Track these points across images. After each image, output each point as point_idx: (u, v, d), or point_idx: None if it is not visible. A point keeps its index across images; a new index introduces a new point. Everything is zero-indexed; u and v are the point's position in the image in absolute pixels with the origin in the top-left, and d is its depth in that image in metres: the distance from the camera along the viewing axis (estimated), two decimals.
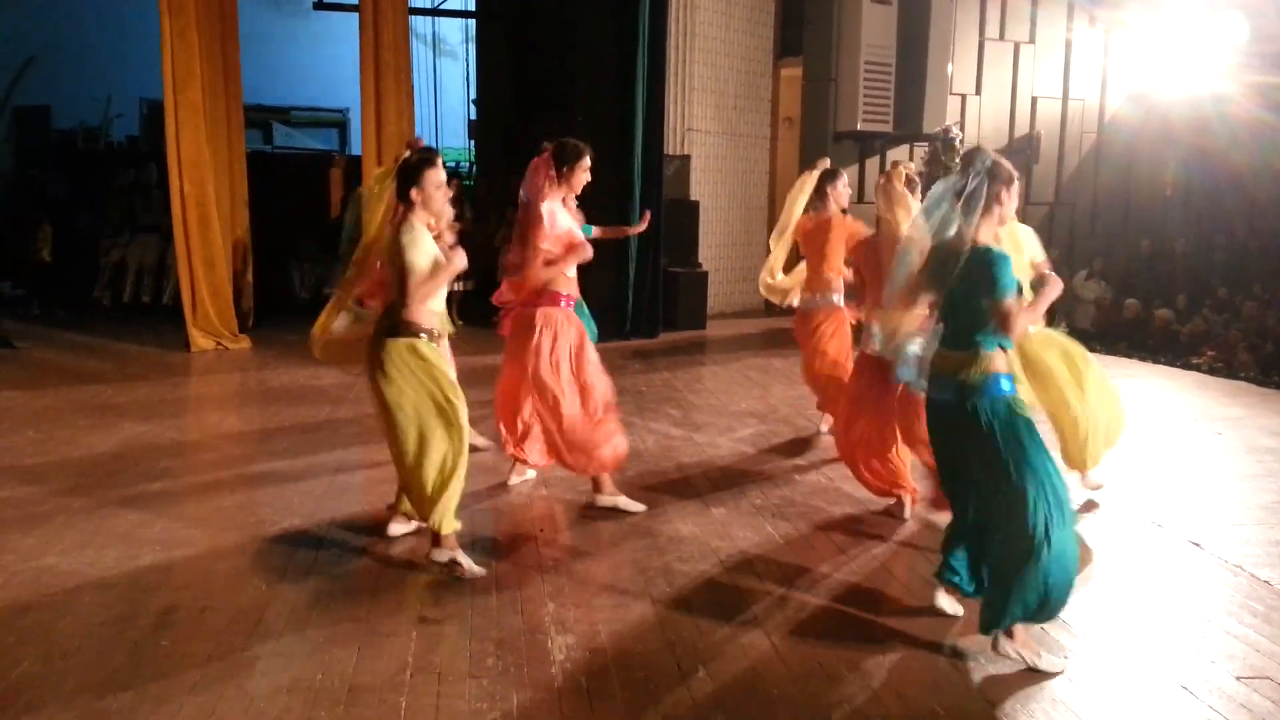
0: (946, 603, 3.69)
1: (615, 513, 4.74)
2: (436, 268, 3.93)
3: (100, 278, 11.72)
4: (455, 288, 10.80)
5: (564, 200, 4.78)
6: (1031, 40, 12.03)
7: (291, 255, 12.66)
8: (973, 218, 3.32)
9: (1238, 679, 3.25)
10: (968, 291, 3.33)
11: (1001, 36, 11.95)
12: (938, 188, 3.43)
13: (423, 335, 3.96)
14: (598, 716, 2.97)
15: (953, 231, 3.35)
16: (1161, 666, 3.34)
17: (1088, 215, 12.51)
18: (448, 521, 3.97)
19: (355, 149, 16.74)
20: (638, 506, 4.79)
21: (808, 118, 11.66)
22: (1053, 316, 11.07)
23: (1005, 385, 3.35)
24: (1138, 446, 6.30)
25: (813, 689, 3.15)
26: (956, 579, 3.57)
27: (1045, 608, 3.30)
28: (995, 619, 3.31)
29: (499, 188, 12.31)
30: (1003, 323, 3.30)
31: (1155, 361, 9.31)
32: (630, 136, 9.72)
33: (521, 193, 4.71)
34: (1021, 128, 12.16)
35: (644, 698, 3.08)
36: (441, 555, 4.02)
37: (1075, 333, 10.67)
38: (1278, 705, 3.10)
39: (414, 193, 3.96)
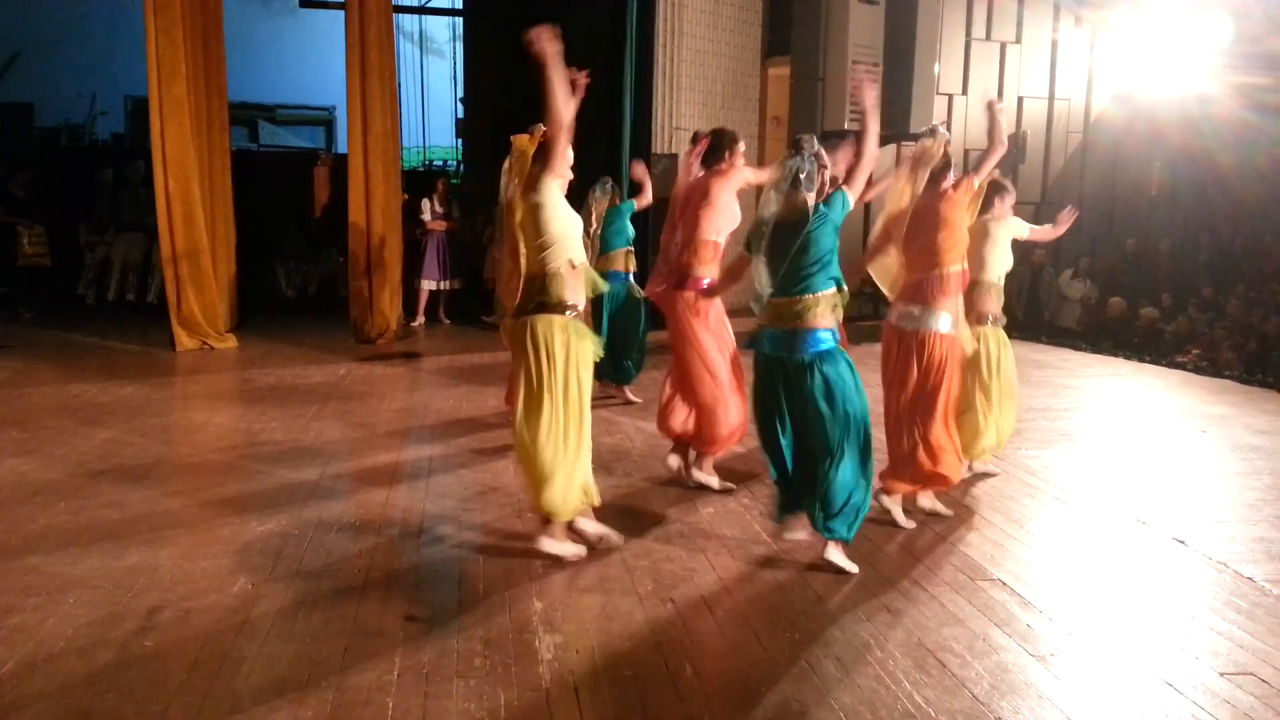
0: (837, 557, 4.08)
1: (601, 511, 4.74)
2: None
3: (84, 275, 11.66)
4: (443, 286, 10.82)
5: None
6: (1018, 40, 12.07)
7: (277, 253, 12.63)
8: (811, 191, 3.94)
9: (1221, 675, 3.28)
10: (809, 245, 3.90)
11: (988, 37, 11.99)
12: (776, 171, 4.02)
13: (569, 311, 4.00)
14: (585, 716, 2.97)
15: (778, 207, 3.94)
16: (1146, 663, 3.36)
17: None
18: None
19: (341, 147, 16.72)
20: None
21: (795, 117, 11.68)
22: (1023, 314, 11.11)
23: (825, 337, 3.96)
24: (1122, 444, 6.34)
25: (800, 688, 3.16)
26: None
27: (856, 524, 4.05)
28: (832, 532, 4.02)
29: (486, 186, 12.30)
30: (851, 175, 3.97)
31: (1140, 360, 9.37)
32: (618, 135, 9.72)
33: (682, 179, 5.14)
34: (1008, 128, 12.18)
35: (632, 697, 3.08)
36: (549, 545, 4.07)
37: (1060, 331, 10.80)
38: (1261, 701, 3.12)
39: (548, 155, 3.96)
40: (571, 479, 3.98)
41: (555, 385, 3.92)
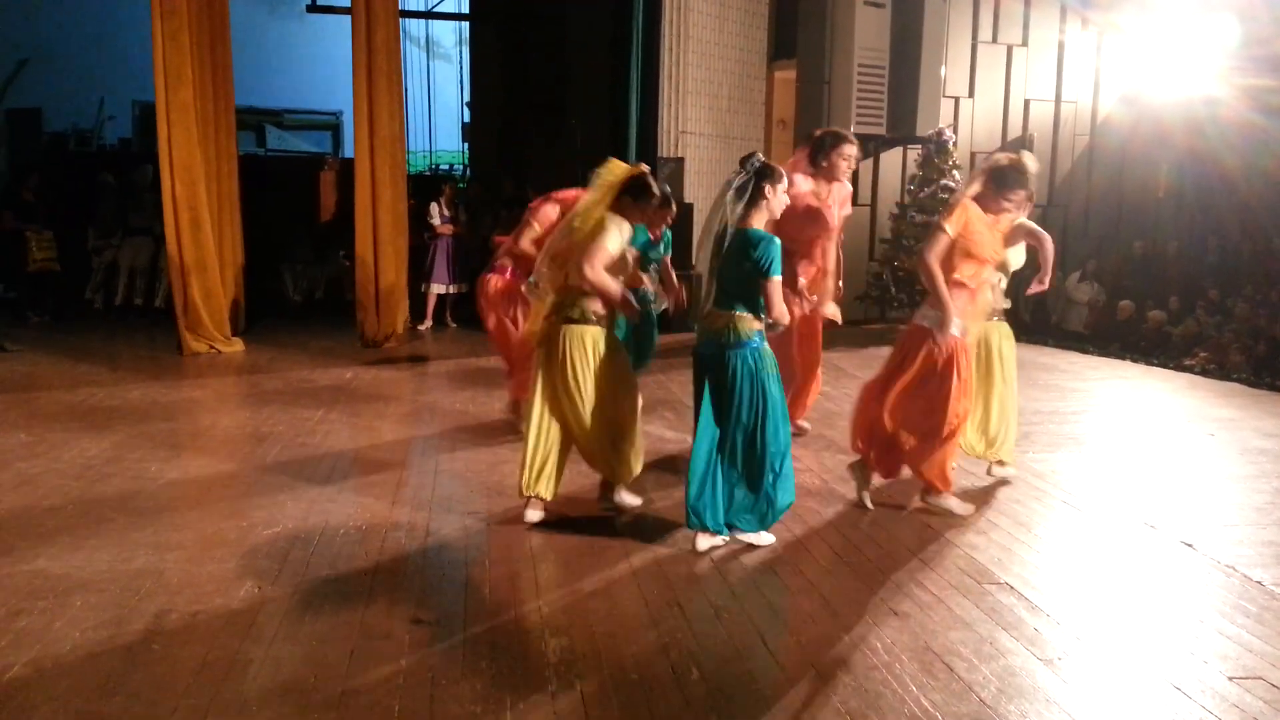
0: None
1: (607, 514, 4.75)
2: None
3: (92, 279, 11.71)
4: (449, 290, 10.83)
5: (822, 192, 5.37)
6: (1024, 43, 12.05)
7: (284, 258, 12.66)
8: (739, 206, 4.12)
9: (1230, 679, 3.26)
10: (732, 265, 4.11)
11: (994, 39, 11.97)
12: (724, 185, 4.19)
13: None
14: (591, 719, 2.97)
15: (729, 217, 4.13)
16: (1154, 667, 3.35)
17: (1080, 217, 12.54)
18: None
19: (348, 152, 16.75)
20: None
21: (801, 120, 11.66)
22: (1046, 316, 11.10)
23: (755, 341, 4.17)
24: (1130, 447, 6.32)
25: (806, 690, 3.15)
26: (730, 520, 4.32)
27: (769, 518, 4.31)
28: (726, 524, 4.27)
29: (493, 189, 12.33)
30: (766, 299, 4.09)
31: (1148, 363, 9.33)
32: (624, 139, 9.74)
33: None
34: (1014, 130, 12.17)
35: (638, 700, 3.07)
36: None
37: (1068, 334, 10.77)
38: (1270, 705, 3.10)
39: (625, 199, 4.47)
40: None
41: (587, 382, 4.45)
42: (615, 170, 4.53)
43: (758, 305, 4.15)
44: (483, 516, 4.73)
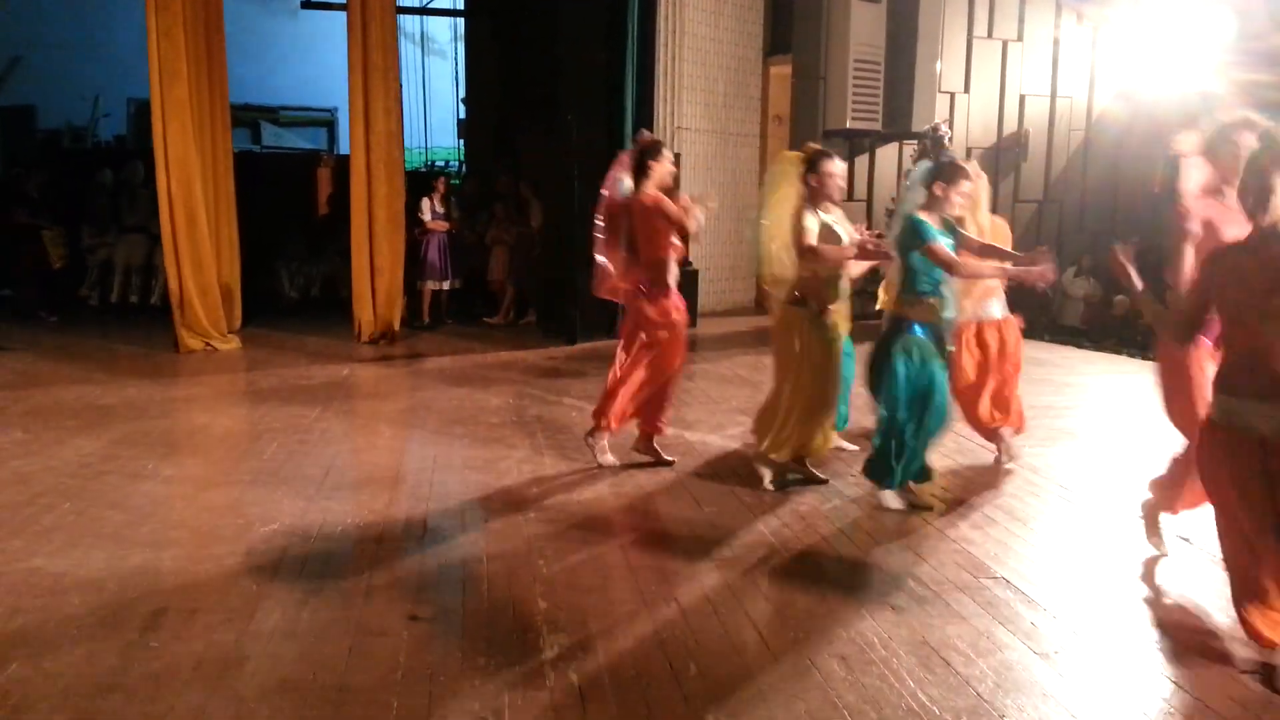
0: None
1: (604, 510, 4.75)
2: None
3: (87, 276, 11.68)
4: (444, 286, 10.81)
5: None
6: (1020, 38, 12.05)
7: (279, 255, 12.63)
8: (917, 198, 4.71)
9: (1226, 673, 3.27)
10: (901, 255, 4.68)
11: (990, 34, 11.97)
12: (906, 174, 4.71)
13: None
14: (589, 715, 2.97)
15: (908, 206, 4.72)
16: (1150, 660, 3.36)
17: (1076, 212, 12.55)
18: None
19: (344, 148, 16.71)
20: None
21: (797, 116, 11.66)
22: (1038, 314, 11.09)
23: (917, 329, 4.64)
24: (1126, 441, 6.32)
25: (804, 686, 3.15)
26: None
27: (898, 478, 4.81)
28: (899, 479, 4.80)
29: (488, 186, 12.30)
30: (942, 264, 4.54)
31: (1144, 358, 9.33)
32: (619, 135, 9.70)
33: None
34: (1010, 126, 12.17)
35: (635, 696, 3.08)
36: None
37: (1064, 329, 10.78)
38: (1266, 699, 3.11)
39: (811, 179, 4.79)
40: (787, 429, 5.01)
41: (795, 360, 4.93)
42: (786, 161, 4.91)
43: (924, 290, 4.61)
44: (479, 512, 4.73)
